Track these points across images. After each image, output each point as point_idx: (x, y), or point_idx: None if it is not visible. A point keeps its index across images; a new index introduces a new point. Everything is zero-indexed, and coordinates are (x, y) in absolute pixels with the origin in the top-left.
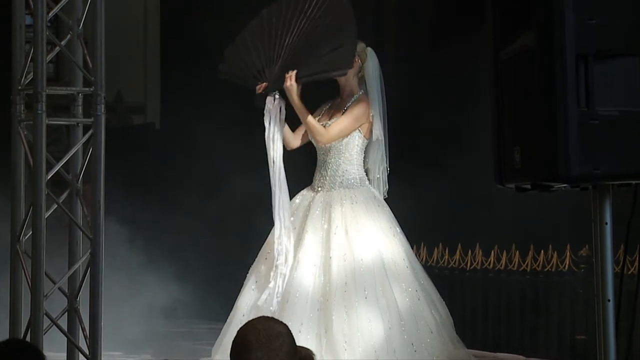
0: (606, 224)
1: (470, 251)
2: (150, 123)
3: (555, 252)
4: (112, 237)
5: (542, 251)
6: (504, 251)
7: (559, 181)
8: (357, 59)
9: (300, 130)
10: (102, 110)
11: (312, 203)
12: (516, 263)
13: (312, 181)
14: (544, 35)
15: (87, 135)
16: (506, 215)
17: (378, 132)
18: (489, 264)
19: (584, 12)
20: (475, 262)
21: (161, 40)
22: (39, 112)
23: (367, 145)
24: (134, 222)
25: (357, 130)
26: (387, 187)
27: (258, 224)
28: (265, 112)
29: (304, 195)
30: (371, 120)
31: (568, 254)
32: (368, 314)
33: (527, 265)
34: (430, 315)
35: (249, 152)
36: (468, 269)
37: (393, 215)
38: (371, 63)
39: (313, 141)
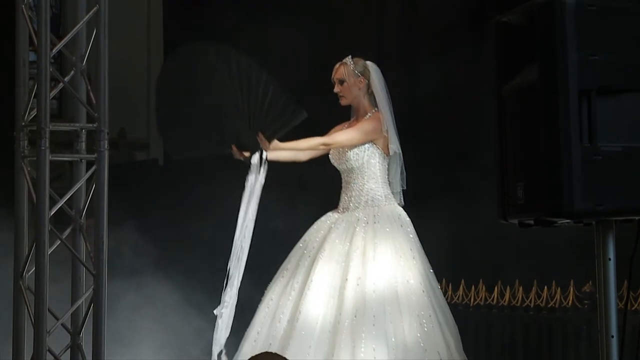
0: (609, 259)
1: (473, 287)
2: (154, 159)
3: (559, 288)
4: (114, 271)
5: (546, 287)
6: (507, 287)
7: (562, 217)
8: (362, 79)
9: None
10: (106, 146)
11: (334, 223)
12: (519, 299)
13: (337, 205)
14: (547, 71)
15: (90, 171)
16: (509, 251)
17: (394, 145)
18: (492, 300)
19: (586, 48)
20: (478, 298)
21: None
22: (43, 148)
23: (388, 162)
24: (137, 257)
25: (375, 147)
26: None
27: (267, 259)
28: (251, 169)
29: (328, 216)
30: (386, 134)
31: (571, 290)
32: (374, 342)
33: (530, 302)
34: (442, 340)
35: None
36: (471, 305)
37: (415, 233)
38: (376, 77)
39: (333, 162)
